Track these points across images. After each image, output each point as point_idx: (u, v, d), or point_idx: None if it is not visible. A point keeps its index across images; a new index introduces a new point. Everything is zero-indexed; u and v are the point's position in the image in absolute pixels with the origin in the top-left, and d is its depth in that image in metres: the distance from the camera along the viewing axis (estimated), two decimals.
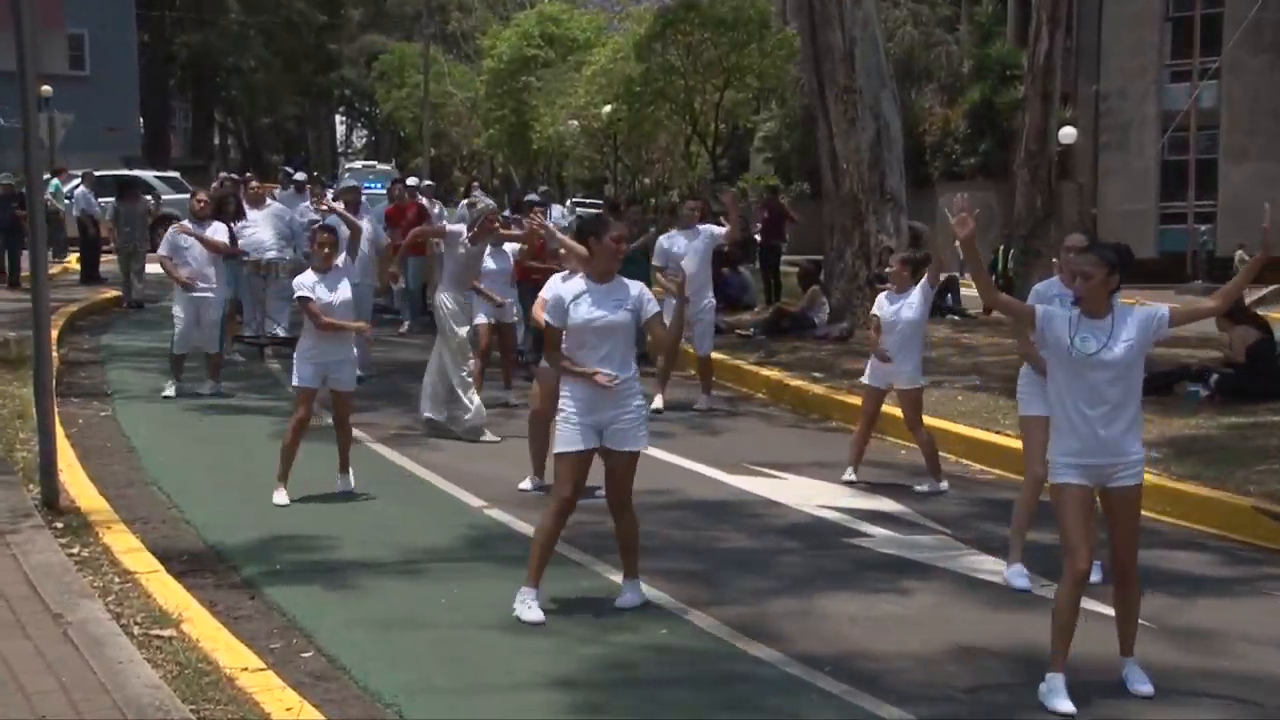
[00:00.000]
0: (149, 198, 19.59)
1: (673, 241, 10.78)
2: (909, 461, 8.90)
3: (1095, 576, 5.85)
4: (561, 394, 5.67)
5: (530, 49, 41.30)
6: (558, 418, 5.67)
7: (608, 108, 33.18)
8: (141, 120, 43.37)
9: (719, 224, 11.37)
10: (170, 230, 11.38)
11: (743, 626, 5.52)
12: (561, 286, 5.85)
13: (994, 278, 22.58)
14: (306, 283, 7.60)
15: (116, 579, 5.65)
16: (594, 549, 6.64)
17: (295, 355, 7.64)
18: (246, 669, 4.66)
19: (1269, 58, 27.12)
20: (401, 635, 5.35)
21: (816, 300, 14.77)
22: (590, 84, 34.14)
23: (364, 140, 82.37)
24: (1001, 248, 20.53)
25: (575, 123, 36.27)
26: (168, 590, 5.53)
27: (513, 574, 6.27)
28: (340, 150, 78.41)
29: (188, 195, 25.56)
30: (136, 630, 4.98)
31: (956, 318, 16.68)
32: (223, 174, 18.96)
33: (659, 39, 30.59)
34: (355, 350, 7.84)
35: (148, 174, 28.95)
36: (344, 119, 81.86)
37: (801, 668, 5.09)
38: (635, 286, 5.71)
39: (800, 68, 25.85)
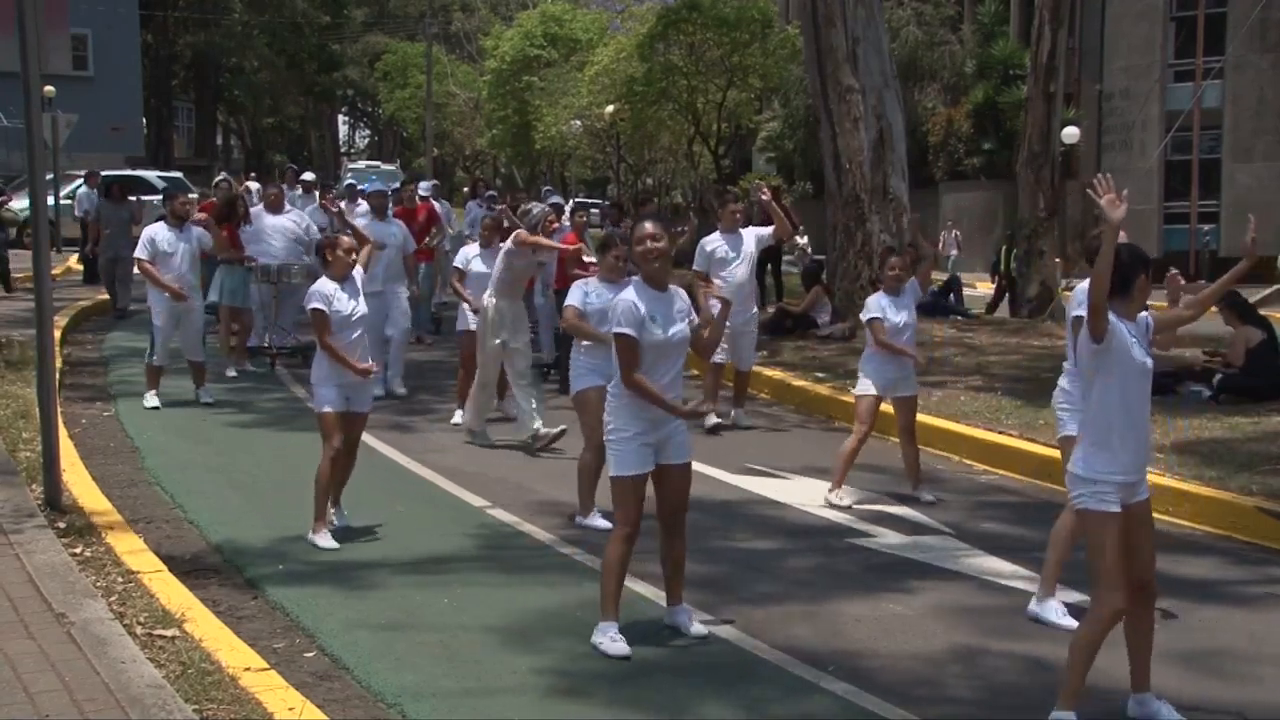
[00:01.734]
0: (135, 199, 18.87)
1: (716, 246, 9.86)
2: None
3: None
4: (617, 410, 5.26)
5: (533, 49, 41.37)
6: (614, 438, 5.26)
7: (610, 108, 33.19)
8: (145, 120, 43.39)
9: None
10: (146, 231, 10.53)
11: (746, 626, 5.51)
12: (630, 296, 5.28)
13: (996, 278, 22.45)
14: (324, 291, 6.75)
15: (119, 579, 5.65)
16: (600, 551, 6.64)
17: (314, 379, 6.82)
18: (249, 669, 4.66)
19: (1274, 57, 27.07)
20: (404, 636, 5.35)
21: (819, 300, 14.76)
22: (593, 84, 34.15)
23: (366, 140, 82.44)
24: (1004, 248, 20.48)
25: (578, 123, 36.31)
26: (170, 590, 5.53)
27: (515, 575, 6.28)
28: (343, 150, 78.45)
29: (193, 195, 25.46)
30: (139, 630, 4.99)
31: (959, 318, 16.67)
32: (222, 174, 18.71)
33: (661, 39, 30.59)
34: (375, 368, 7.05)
35: (151, 174, 28.99)
36: (347, 119, 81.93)
37: (805, 668, 5.08)
38: (681, 293, 5.40)
39: (803, 67, 25.84)
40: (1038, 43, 16.93)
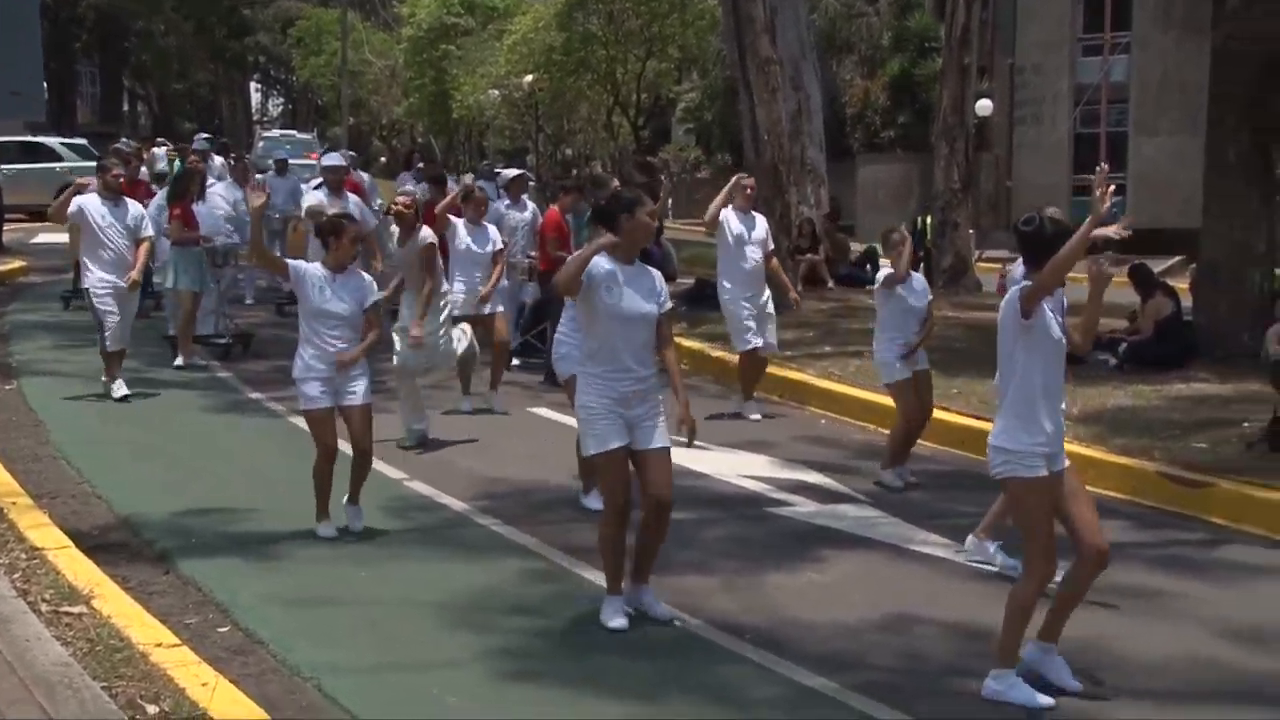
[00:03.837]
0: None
1: (731, 221, 9.37)
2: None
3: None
4: (585, 388, 5.15)
5: (450, 17, 40.76)
6: (584, 415, 5.15)
7: (529, 77, 32.91)
8: (46, 85, 41.97)
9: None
10: (77, 201, 9.42)
11: (665, 596, 5.53)
12: (599, 261, 5.21)
13: (918, 250, 22.83)
14: (308, 277, 6.24)
15: (23, 555, 5.50)
16: (517, 523, 6.62)
17: (295, 375, 6.34)
18: (160, 645, 4.58)
19: (1177, 34, 27.66)
20: (321, 609, 5.29)
21: None
22: (511, 53, 33.81)
23: (280, 108, 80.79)
24: (919, 219, 20.75)
25: (496, 92, 35.92)
26: (77, 566, 5.40)
27: (435, 547, 6.24)
28: (256, 119, 76.76)
29: (95, 162, 24.66)
30: (44, 607, 4.87)
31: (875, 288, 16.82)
32: (124, 140, 17.80)
33: (580, 8, 30.39)
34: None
35: (53, 140, 28.14)
36: (259, 86, 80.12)
37: (722, 635, 5.12)
38: (657, 274, 5.30)
39: (722, 38, 25.84)
40: (952, 16, 17.13)
